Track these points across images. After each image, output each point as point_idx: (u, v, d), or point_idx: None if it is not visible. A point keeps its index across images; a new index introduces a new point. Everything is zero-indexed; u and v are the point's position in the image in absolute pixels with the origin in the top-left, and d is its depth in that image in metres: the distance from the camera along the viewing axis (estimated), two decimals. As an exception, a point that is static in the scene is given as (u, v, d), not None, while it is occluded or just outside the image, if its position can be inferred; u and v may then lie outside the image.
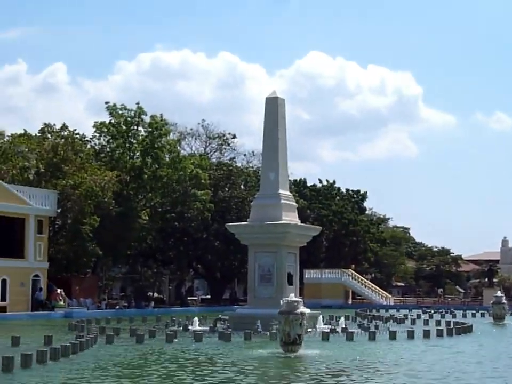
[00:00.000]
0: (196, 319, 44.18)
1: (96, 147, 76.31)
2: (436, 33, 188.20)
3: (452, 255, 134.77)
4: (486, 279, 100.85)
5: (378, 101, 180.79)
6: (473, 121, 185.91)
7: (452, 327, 42.38)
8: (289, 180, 67.72)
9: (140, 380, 21.29)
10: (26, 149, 69.12)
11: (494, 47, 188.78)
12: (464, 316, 62.98)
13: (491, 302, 57.64)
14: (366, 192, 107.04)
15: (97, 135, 75.50)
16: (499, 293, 60.01)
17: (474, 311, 66.79)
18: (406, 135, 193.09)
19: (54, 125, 71.85)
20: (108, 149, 75.94)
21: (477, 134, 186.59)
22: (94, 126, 74.97)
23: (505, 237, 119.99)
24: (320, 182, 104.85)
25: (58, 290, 63.62)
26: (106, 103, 75.48)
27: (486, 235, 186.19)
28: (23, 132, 74.25)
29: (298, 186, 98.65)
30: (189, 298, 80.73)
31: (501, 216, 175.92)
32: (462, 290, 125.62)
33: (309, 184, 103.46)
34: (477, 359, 28.29)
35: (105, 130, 74.80)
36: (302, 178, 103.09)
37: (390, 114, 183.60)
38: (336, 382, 21.12)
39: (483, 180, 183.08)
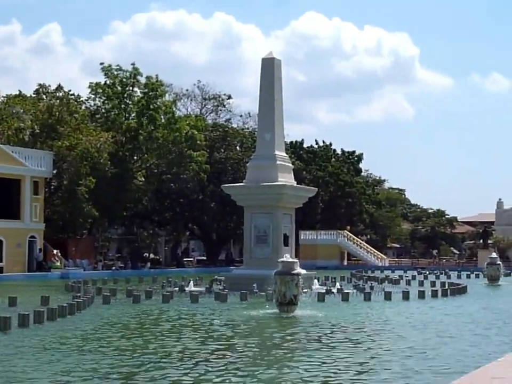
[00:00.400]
0: (191, 281, 44.35)
1: (92, 108, 76.06)
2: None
3: (447, 216, 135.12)
4: (481, 241, 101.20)
5: (375, 62, 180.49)
6: (470, 83, 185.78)
7: (446, 288, 42.63)
8: (285, 141, 67.73)
9: (135, 340, 21.42)
10: (21, 110, 68.89)
11: (490, 8, 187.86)
12: (459, 277, 63.28)
13: (486, 263, 57.90)
14: (362, 153, 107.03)
15: (93, 96, 75.21)
16: (494, 254, 60.23)
17: (469, 272, 67.11)
18: (402, 97, 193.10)
19: (49, 85, 71.62)
20: (103, 110, 75.68)
21: (473, 96, 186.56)
22: (89, 87, 74.63)
23: (500, 199, 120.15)
24: (317, 143, 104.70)
25: (55, 251, 63.78)
26: (101, 63, 75.13)
27: (481, 197, 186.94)
28: (18, 92, 73.99)
29: (295, 148, 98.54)
30: (185, 259, 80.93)
31: (496, 178, 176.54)
32: (457, 252, 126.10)
33: (305, 145, 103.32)
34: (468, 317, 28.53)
35: (101, 91, 74.49)
36: (299, 139, 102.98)
37: (386, 75, 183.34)
38: (327, 343, 21.27)
39: (479, 142, 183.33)
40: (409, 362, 17.67)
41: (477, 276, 63.34)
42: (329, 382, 15.37)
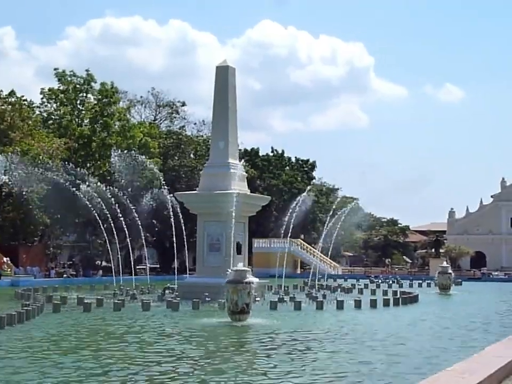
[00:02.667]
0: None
1: (44, 114, 75.34)
2: (387, 3, 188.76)
3: (399, 225, 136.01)
4: (433, 250, 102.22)
5: (330, 71, 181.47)
6: (423, 93, 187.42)
7: (398, 296, 42.84)
8: (240, 149, 67.55)
9: (71, 354, 21.14)
10: (-27, 115, 68.02)
11: (444, 20, 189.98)
12: (411, 285, 63.68)
13: (437, 272, 58.37)
14: (315, 161, 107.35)
15: (46, 101, 74.55)
16: (445, 263, 60.84)
17: (420, 281, 67.58)
18: (357, 106, 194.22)
19: (1, 91, 70.77)
20: (56, 116, 75.04)
21: (427, 105, 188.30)
22: (42, 93, 74.00)
23: (452, 208, 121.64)
24: (272, 151, 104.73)
25: (5, 259, 62.97)
26: (55, 69, 74.57)
27: (433, 206, 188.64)
28: (-31, 97, 73.08)
29: (250, 156, 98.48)
30: (138, 267, 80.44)
31: (448, 188, 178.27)
32: (409, 261, 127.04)
33: (260, 154, 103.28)
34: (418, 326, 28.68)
35: (54, 97, 73.90)
36: (254, 148, 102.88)
37: (341, 84, 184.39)
38: (277, 352, 21.20)
39: (432, 152, 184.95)
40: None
41: (429, 285, 63.82)
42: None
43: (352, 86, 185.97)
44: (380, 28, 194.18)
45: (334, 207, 62.40)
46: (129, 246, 56.08)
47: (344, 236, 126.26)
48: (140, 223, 54.11)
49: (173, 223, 48.17)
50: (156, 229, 76.95)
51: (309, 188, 68.09)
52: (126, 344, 22.38)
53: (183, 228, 49.79)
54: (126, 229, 53.29)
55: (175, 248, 50.29)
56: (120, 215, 52.78)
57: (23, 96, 71.29)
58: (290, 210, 52.07)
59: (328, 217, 60.94)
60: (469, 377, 7.60)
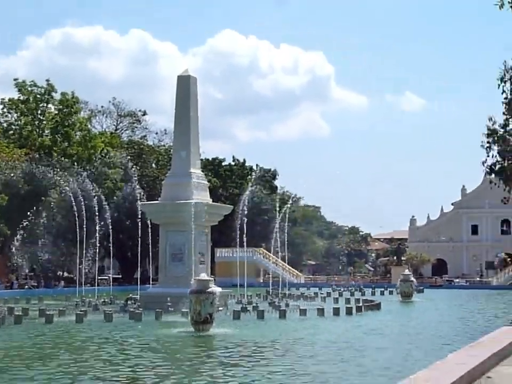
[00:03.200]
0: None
1: (5, 124, 74.79)
2: (346, 13, 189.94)
3: (361, 233, 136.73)
4: (394, 257, 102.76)
5: (291, 81, 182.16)
6: (384, 102, 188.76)
7: (360, 304, 43.00)
8: (203, 159, 67.40)
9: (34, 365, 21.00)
10: None
11: (404, 28, 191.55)
12: (373, 293, 63.92)
13: (399, 279, 58.67)
14: (276, 170, 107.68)
15: (6, 111, 74.03)
16: (407, 271, 61.16)
17: (383, 289, 67.86)
18: (318, 115, 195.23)
19: (-41, 101, 70.27)
20: (17, 126, 74.54)
21: (388, 114, 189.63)
22: (1, 103, 73.48)
23: (413, 216, 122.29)
24: (234, 160, 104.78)
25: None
26: (15, 79, 74.14)
27: (395, 214, 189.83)
28: None
29: (212, 165, 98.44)
30: (99, 277, 79.96)
31: (409, 196, 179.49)
32: (371, 269, 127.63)
33: (223, 163, 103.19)
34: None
35: (14, 107, 73.43)
36: (217, 157, 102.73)
37: (303, 94, 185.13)
38: (240, 361, 21.20)
39: (393, 159, 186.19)
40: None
41: (391, 293, 64.09)
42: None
43: (313, 95, 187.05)
44: (339, 36, 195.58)
45: (295, 216, 62.37)
46: (91, 256, 55.69)
47: (306, 244, 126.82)
48: (100, 233, 53.89)
49: (139, 233, 47.87)
50: (118, 238, 76.58)
51: (253, 177, 67.71)
52: (88, 356, 22.23)
53: (146, 238, 49.61)
54: (87, 239, 53.06)
55: (138, 258, 50.04)
56: (82, 225, 52.51)
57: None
58: (241, 203, 51.87)
59: (289, 226, 60.93)
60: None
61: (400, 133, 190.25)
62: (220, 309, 30.33)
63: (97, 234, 51.93)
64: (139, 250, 51.30)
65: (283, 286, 58.63)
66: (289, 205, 55.38)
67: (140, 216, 48.28)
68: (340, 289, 66.77)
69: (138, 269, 56.60)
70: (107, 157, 74.44)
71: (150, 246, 50.47)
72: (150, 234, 49.45)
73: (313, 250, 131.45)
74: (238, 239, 52.88)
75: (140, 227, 48.99)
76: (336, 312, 38.14)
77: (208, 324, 28.16)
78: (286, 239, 60.36)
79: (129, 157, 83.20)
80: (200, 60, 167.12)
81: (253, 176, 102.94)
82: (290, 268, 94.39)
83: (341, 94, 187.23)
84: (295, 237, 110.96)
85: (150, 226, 48.74)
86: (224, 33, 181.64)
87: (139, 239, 48.34)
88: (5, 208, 65.10)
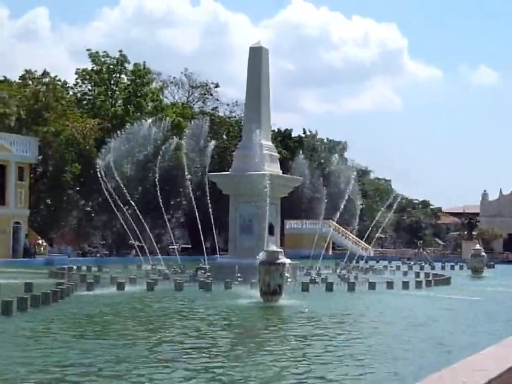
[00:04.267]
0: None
1: (78, 94, 75.76)
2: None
3: (431, 207, 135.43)
4: (465, 232, 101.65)
5: (362, 53, 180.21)
6: (458, 75, 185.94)
7: (430, 278, 42.76)
8: (273, 131, 67.44)
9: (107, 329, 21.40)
10: (7, 96, 68.47)
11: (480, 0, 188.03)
12: (443, 268, 63.47)
13: (470, 254, 58.11)
14: (346, 142, 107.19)
15: (79, 82, 74.96)
16: (478, 246, 60.50)
17: (453, 264, 67.31)
18: (390, 88, 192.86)
19: (35, 71, 71.26)
20: (90, 97, 75.45)
21: (461, 88, 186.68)
22: (76, 73, 74.40)
23: (485, 191, 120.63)
24: (304, 132, 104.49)
25: (39, 238, 63.54)
26: (88, 50, 74.89)
27: (466, 188, 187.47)
28: (3, 78, 73.57)
29: (283, 137, 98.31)
30: (169, 247, 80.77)
31: (482, 170, 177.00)
32: (442, 243, 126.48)
33: (292, 135, 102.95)
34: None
35: (88, 77, 74.29)
36: (287, 129, 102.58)
37: (374, 67, 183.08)
38: (310, 332, 21.30)
39: (465, 134, 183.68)
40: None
41: (461, 267, 63.57)
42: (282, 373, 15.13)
43: (385, 68, 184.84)
44: (412, 8, 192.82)
45: (366, 188, 62.02)
46: (162, 226, 56.27)
47: (376, 217, 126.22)
48: (171, 203, 54.34)
49: (209, 203, 48.12)
50: (188, 208, 77.24)
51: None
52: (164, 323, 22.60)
53: (216, 208, 49.86)
54: (157, 209, 53.57)
55: (211, 228, 50.20)
56: (152, 195, 53.01)
57: (56, 77, 71.76)
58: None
59: (359, 199, 60.67)
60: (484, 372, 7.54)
61: (473, 106, 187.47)
62: (289, 280, 30.50)
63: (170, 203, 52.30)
64: (208, 221, 51.59)
65: (352, 258, 58.54)
66: (353, 176, 54.63)
67: (210, 187, 48.50)
68: (410, 263, 66.47)
69: (212, 238, 56.85)
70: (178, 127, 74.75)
71: (220, 217, 50.73)
72: (220, 205, 49.69)
73: (383, 223, 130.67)
74: (307, 211, 52.84)
75: (210, 198, 49.22)
76: (406, 285, 38.00)
77: (277, 295, 28.32)
78: (356, 212, 60.10)
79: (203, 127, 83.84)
80: (272, 31, 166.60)
81: (323, 147, 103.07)
82: (359, 240, 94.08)
83: (414, 67, 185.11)
84: (365, 210, 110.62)
85: (220, 197, 49.00)
86: (295, 4, 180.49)
87: (210, 209, 48.63)
88: (78, 178, 66.10)
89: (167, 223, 57.36)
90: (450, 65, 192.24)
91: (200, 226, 48.10)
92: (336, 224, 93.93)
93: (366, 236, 75.03)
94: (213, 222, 47.47)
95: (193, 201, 48.16)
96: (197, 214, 48.52)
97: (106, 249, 74.46)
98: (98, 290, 33.09)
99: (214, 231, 49.16)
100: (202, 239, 49.93)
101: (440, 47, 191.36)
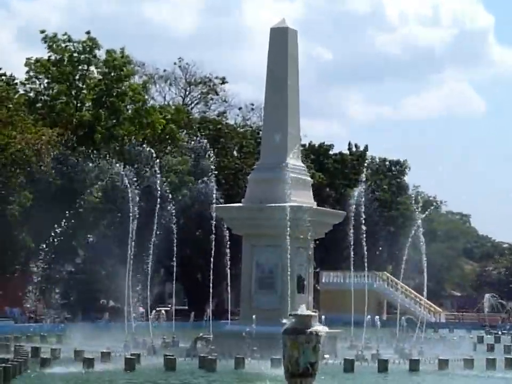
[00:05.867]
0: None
1: (30, 94, 76.04)
2: None
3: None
4: None
5: (431, 36, 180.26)
6: None
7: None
8: (304, 145, 67.70)
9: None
10: None
11: None
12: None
13: None
14: (407, 161, 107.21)
15: (32, 77, 75.24)
16: None
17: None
18: (469, 84, 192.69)
19: (-29, 61, 71.92)
20: (47, 97, 75.70)
21: None
22: (26, 64, 74.63)
23: None
24: (349, 148, 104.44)
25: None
26: (42, 31, 75.03)
27: None
28: None
29: (316, 155, 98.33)
30: (158, 308, 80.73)
31: None
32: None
33: (331, 151, 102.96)
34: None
35: (43, 70, 74.54)
36: (323, 142, 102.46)
37: (447, 54, 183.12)
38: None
39: None
40: None
41: None
42: None
43: (462, 56, 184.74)
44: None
45: (434, 227, 61.97)
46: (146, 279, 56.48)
47: (449, 268, 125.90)
48: (160, 247, 54.48)
49: (213, 248, 48.27)
50: (184, 255, 77.23)
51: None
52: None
53: (223, 255, 49.99)
54: (140, 255, 53.69)
55: (211, 283, 50.39)
56: (134, 237, 53.13)
57: (0, 69, 72.20)
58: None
59: (426, 242, 60.61)
60: None
61: None
62: (325, 356, 30.47)
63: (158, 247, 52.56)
64: (212, 272, 51.71)
65: (415, 325, 58.32)
66: (428, 212, 54.70)
67: (215, 224, 48.64)
68: (497, 332, 66.24)
69: (211, 298, 57.09)
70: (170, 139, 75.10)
71: (229, 265, 50.84)
72: (228, 250, 49.82)
73: (459, 276, 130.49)
74: (352, 259, 52.80)
75: (214, 239, 49.34)
76: (491, 364, 37.85)
77: (309, 377, 28.27)
78: (422, 261, 60.02)
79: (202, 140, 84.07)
80: (301, 7, 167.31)
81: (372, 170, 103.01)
82: (426, 300, 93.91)
83: (503, 55, 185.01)
84: (434, 257, 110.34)
85: (228, 238, 49.14)
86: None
87: (213, 256, 48.74)
88: (28, 212, 66.18)
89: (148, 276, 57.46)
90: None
91: (200, 280, 48.32)
92: (393, 278, 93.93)
93: (434, 294, 74.86)
94: (220, 274, 47.63)
95: (184, 245, 48.32)
96: (195, 262, 48.71)
97: (69, 312, 74.53)
98: (58, 369, 33.13)
99: (223, 287, 49.37)
100: (210, 298, 50.07)
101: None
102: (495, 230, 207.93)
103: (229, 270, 51.48)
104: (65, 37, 74.66)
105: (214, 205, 47.97)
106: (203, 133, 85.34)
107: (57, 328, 58.75)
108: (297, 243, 42.38)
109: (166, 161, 74.60)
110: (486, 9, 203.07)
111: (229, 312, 56.68)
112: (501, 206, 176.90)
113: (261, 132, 56.35)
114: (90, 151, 73.31)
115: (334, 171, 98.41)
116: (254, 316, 41.78)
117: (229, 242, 49.36)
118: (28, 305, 69.52)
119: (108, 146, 73.10)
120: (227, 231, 48.37)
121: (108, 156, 74.38)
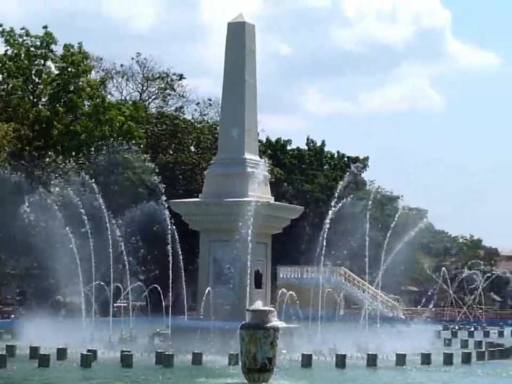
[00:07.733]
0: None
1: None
2: None
3: (484, 248, 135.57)
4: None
5: (390, 31, 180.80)
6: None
7: (483, 349, 42.63)
8: (261, 141, 67.54)
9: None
10: None
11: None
12: (501, 334, 63.44)
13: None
14: (367, 158, 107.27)
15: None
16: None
17: (514, 328, 67.46)
18: (427, 79, 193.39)
19: None
20: (3, 92, 75.35)
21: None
22: (-19, 59, 74.29)
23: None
24: (307, 143, 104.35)
25: None
26: (-1, 26, 74.82)
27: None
28: None
29: (275, 150, 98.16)
30: (116, 304, 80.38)
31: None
32: (499, 299, 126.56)
33: (289, 146, 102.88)
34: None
35: (-1, 65, 74.26)
36: (281, 138, 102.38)
37: (406, 50, 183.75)
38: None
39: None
40: None
41: (527, 333, 63.62)
42: None
43: (420, 52, 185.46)
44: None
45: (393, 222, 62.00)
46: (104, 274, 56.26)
47: (406, 263, 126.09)
48: (117, 244, 54.26)
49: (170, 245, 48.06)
50: (141, 250, 76.89)
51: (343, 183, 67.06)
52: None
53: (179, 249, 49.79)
54: (98, 252, 53.47)
55: (170, 278, 50.22)
56: (91, 232, 52.87)
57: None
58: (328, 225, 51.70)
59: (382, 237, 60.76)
60: None
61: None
62: (283, 351, 30.34)
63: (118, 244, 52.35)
64: (171, 268, 51.48)
65: (372, 320, 58.34)
66: (385, 208, 54.83)
67: (172, 220, 48.39)
68: (454, 327, 66.46)
69: (170, 293, 56.89)
70: (128, 135, 74.75)
71: (186, 261, 50.64)
72: (186, 246, 49.63)
73: (417, 271, 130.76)
74: (314, 255, 52.74)
75: (172, 235, 49.10)
76: (448, 360, 37.88)
77: (267, 372, 28.15)
78: (379, 255, 60.16)
79: (158, 134, 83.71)
80: (261, 2, 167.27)
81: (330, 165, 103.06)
82: (383, 295, 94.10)
83: (460, 51, 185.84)
84: (391, 253, 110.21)
85: (184, 234, 48.97)
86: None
87: (170, 252, 48.50)
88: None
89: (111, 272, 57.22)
90: (509, 47, 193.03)
91: (158, 276, 48.17)
92: (350, 273, 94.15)
93: (392, 289, 74.97)
94: (178, 269, 47.43)
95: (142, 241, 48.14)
96: (155, 258, 48.52)
97: (24, 308, 74.10)
98: (13, 367, 32.84)
99: (180, 282, 49.20)
100: (168, 294, 49.98)
101: (496, 23, 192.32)
102: (451, 225, 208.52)
103: (186, 266, 51.35)
104: (23, 31, 74.35)
105: (171, 201, 47.77)
106: (160, 129, 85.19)
107: (13, 325, 58.35)
108: (255, 238, 42.25)
109: (123, 157, 74.26)
110: (443, 5, 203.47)
111: (185, 308, 56.55)
112: (458, 202, 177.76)
113: (218, 127, 56.05)
114: (46, 147, 73.06)
115: (291, 166, 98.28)
116: (211, 311, 41.79)
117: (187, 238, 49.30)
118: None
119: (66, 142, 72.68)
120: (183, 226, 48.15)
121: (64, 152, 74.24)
